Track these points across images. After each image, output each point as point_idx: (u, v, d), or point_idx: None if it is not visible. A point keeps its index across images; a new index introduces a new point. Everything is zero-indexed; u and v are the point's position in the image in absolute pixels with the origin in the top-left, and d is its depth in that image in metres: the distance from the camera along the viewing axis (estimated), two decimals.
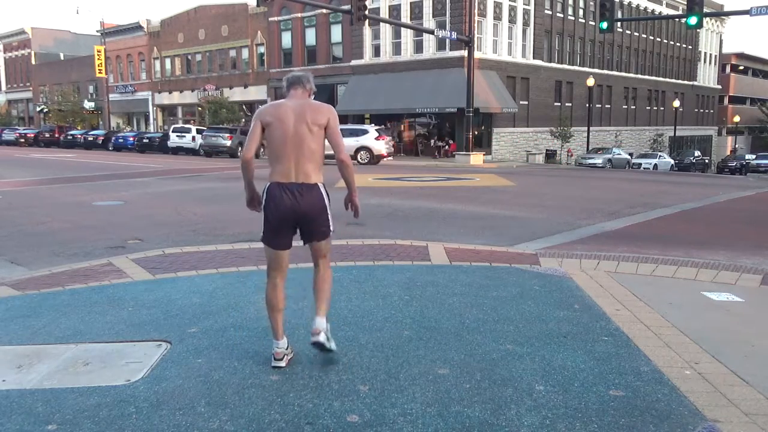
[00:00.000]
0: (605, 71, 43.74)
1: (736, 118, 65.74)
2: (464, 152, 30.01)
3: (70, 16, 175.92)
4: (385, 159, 27.27)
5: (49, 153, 35.42)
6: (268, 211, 3.64)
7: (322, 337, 3.61)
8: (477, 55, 31.41)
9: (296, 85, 3.76)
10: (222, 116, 41.10)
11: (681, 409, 3.15)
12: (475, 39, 30.80)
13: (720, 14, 49.68)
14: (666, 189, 17.09)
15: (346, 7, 25.84)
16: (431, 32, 29.49)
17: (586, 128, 37.90)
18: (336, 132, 3.68)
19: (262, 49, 42.78)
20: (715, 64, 58.94)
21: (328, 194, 3.73)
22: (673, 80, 51.81)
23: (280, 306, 3.77)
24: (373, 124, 31.26)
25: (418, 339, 4.15)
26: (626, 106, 46.92)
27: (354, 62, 37.18)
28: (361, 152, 26.48)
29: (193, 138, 34.89)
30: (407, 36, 35.47)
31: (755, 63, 72.25)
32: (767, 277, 6.06)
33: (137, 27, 51.63)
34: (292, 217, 3.63)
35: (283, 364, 3.66)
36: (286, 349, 3.72)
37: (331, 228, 3.78)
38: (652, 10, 46.33)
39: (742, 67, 70.27)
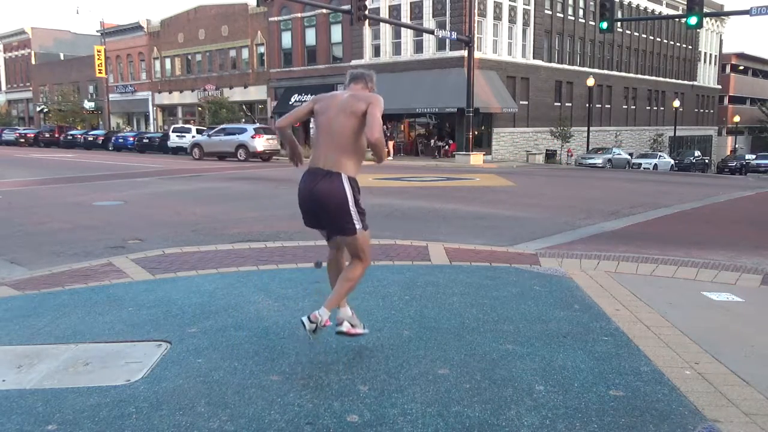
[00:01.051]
0: (605, 71, 43.75)
1: (736, 118, 65.76)
2: (464, 152, 30.01)
3: (70, 16, 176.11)
4: (261, 155, 29.08)
5: (49, 153, 35.42)
6: (297, 194, 3.71)
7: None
8: (477, 55, 31.41)
9: (358, 79, 3.78)
10: (222, 116, 41.09)
11: (681, 409, 3.15)
12: (475, 39, 30.80)
13: (720, 14, 49.67)
14: (666, 189, 17.09)
15: (346, 7, 25.84)
16: (431, 32, 29.49)
17: (586, 128, 37.91)
18: (371, 113, 3.49)
19: (262, 49, 42.78)
20: (715, 64, 58.95)
21: (353, 187, 3.57)
22: (673, 80, 51.81)
23: (332, 281, 3.86)
24: (257, 123, 35.00)
25: (418, 339, 4.15)
26: (626, 106, 46.93)
27: (354, 62, 37.16)
28: (240, 149, 29.10)
29: (193, 138, 34.92)
30: (407, 36, 35.47)
31: (755, 63, 72.26)
32: (767, 277, 6.06)
33: (137, 27, 51.63)
34: (309, 201, 3.61)
35: (344, 329, 3.75)
36: (351, 316, 3.82)
37: (356, 225, 3.58)
38: (652, 10, 46.33)
39: (742, 67, 70.28)
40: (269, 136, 29.29)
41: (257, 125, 32.11)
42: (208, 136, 31.02)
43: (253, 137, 28.84)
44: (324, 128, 3.61)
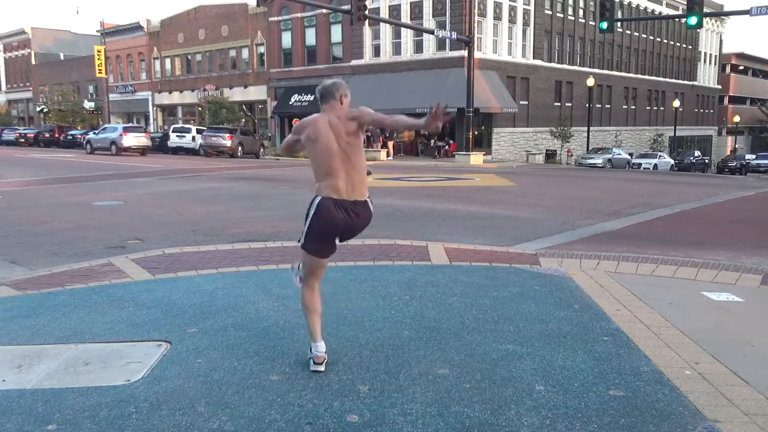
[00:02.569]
0: (605, 71, 43.73)
1: (736, 118, 65.71)
2: (464, 152, 30.02)
3: (70, 16, 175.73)
4: (131, 150, 33.12)
5: (49, 153, 35.43)
6: (319, 223, 3.56)
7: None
8: (477, 55, 31.40)
9: (327, 97, 3.70)
10: (222, 116, 41.08)
11: (681, 409, 3.15)
12: (475, 39, 30.80)
13: (720, 14, 49.67)
14: (666, 189, 17.09)
15: (346, 7, 25.84)
16: (431, 32, 29.49)
17: (586, 128, 37.90)
18: (371, 115, 3.62)
19: (262, 49, 42.76)
20: (715, 64, 58.93)
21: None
22: (673, 80, 51.80)
23: (317, 307, 3.73)
24: (122, 122, 40.06)
25: (418, 339, 4.15)
26: (626, 106, 46.91)
27: (354, 62, 37.18)
28: (113, 145, 33.28)
29: (193, 138, 34.96)
30: (407, 36, 35.46)
31: (755, 63, 72.20)
32: (767, 277, 6.06)
33: (137, 27, 51.60)
34: (341, 230, 3.65)
35: (322, 368, 3.58)
36: (325, 352, 3.64)
37: None
38: (652, 10, 46.32)
39: (742, 67, 70.23)
40: (137, 134, 34.26)
41: (127, 125, 37.95)
42: (95, 134, 36.30)
43: (121, 135, 33.19)
44: (333, 154, 3.54)
